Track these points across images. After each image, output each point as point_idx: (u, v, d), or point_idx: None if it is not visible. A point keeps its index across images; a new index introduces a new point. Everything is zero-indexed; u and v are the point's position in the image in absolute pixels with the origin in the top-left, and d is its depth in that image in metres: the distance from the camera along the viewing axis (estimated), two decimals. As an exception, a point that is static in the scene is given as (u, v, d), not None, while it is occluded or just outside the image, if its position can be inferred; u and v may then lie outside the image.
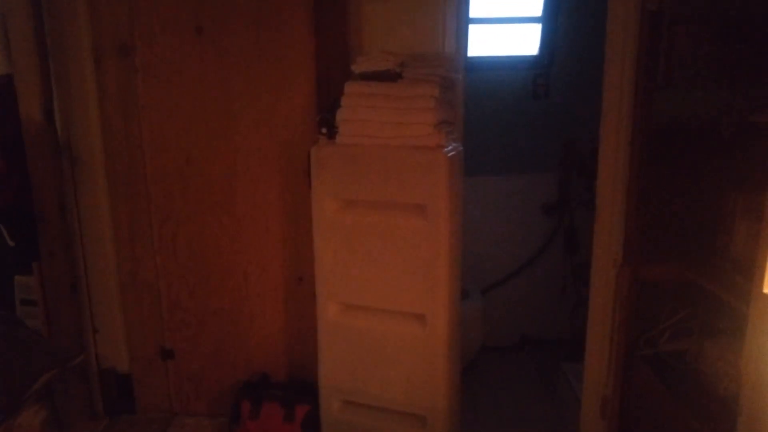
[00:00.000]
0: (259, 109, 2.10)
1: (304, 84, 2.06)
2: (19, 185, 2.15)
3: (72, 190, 2.24)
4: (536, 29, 2.93)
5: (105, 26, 2.08)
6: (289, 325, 2.28)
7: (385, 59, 1.89)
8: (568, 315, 2.98)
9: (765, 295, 1.15)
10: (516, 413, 2.52)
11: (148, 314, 2.33)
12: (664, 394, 1.59)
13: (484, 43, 2.96)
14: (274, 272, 2.23)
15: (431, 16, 2.02)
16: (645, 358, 1.69)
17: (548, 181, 3.02)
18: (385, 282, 1.93)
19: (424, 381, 1.95)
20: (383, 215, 1.90)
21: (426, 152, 1.81)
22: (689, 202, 1.65)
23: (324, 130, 1.95)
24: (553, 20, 2.88)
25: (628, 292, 1.66)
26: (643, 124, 1.56)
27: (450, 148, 1.86)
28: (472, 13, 2.91)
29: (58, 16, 2.09)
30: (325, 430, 2.09)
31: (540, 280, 3.06)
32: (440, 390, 1.95)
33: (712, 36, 1.54)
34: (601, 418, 1.96)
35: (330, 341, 2.05)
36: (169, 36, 2.07)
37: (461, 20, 2.04)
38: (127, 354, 2.39)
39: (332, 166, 1.91)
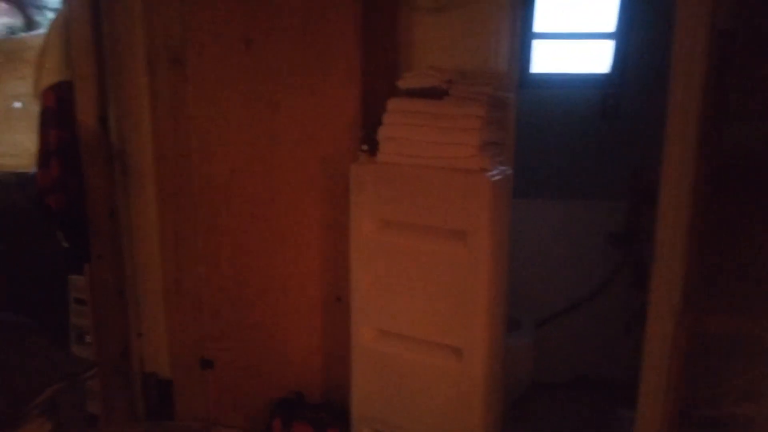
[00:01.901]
0: (303, 123, 2.05)
1: (350, 99, 1.99)
2: (73, 189, 2.21)
3: (123, 196, 2.28)
4: (608, 46, 2.74)
5: (158, 36, 2.11)
6: (326, 345, 2.21)
7: (432, 76, 1.80)
8: (631, 357, 2.74)
9: None
10: (564, 458, 2.33)
11: (190, 322, 2.34)
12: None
13: (550, 59, 2.80)
14: (312, 290, 2.18)
15: (485, 31, 1.91)
16: (705, 421, 1.49)
17: (616, 210, 2.80)
18: (421, 310, 1.83)
19: (460, 418, 1.83)
20: (422, 239, 1.80)
21: (468, 175, 1.70)
22: (762, 246, 1.44)
23: (365, 147, 1.88)
24: (626, 36, 2.69)
25: (688, 345, 1.48)
26: (711, 157, 1.38)
27: (496, 171, 1.74)
28: (539, 27, 2.77)
29: (116, 24, 2.14)
30: (354, 458, 2.01)
31: (602, 316, 2.84)
32: (476, 429, 1.82)
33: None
34: (653, 478, 1.77)
35: (363, 367, 1.96)
36: (219, 47, 2.07)
37: (516, 36, 1.92)
38: (169, 360, 2.41)
39: (371, 184, 1.84)
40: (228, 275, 2.25)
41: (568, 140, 2.81)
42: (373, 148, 1.85)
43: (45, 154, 2.18)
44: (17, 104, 2.83)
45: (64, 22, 2.13)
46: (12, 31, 2.91)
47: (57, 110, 2.15)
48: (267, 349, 2.28)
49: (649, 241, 2.71)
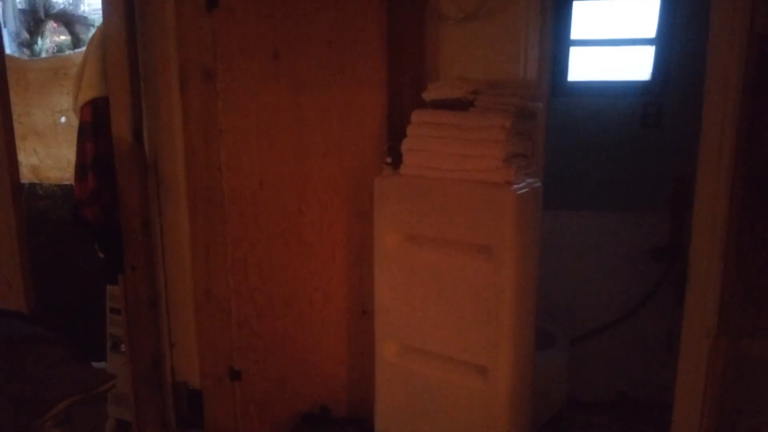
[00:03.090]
0: (329, 135, 2.05)
1: (375, 111, 1.98)
2: (108, 202, 2.26)
3: (156, 208, 2.33)
4: (649, 52, 2.64)
5: (190, 52, 2.15)
6: (352, 358, 2.19)
7: (457, 87, 1.76)
8: (673, 377, 2.61)
9: None
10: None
11: (220, 333, 2.36)
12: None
13: (588, 66, 2.72)
14: (338, 302, 2.16)
15: (513, 41, 1.86)
16: (744, 450, 1.39)
17: (658, 222, 2.68)
18: (444, 326, 1.79)
19: (485, 439, 1.77)
20: (446, 253, 1.76)
21: (493, 189, 1.65)
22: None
23: (389, 160, 1.85)
24: (668, 42, 2.58)
25: (724, 369, 1.38)
26: (749, 169, 1.29)
27: (522, 184, 1.69)
28: (576, 34, 2.70)
29: (150, 41, 2.19)
30: (378, 476, 1.97)
31: (642, 333, 2.71)
32: (502, 450, 1.75)
33: None
34: None
35: (387, 383, 1.93)
36: (247, 61, 2.09)
37: (546, 45, 1.86)
38: (199, 370, 2.43)
39: (395, 197, 1.81)
40: (256, 287, 2.26)
41: (608, 150, 2.71)
42: (397, 161, 1.82)
43: (82, 168, 2.24)
44: (63, 119, 2.93)
45: (101, 39, 2.19)
46: (60, 48, 3.03)
47: (93, 125, 2.22)
48: (293, 361, 2.27)
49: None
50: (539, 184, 1.80)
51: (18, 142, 3.01)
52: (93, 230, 2.29)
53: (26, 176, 3.03)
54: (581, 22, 2.71)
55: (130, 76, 2.17)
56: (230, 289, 2.30)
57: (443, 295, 1.77)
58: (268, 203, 2.18)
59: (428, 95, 1.81)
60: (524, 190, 1.67)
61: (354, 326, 2.15)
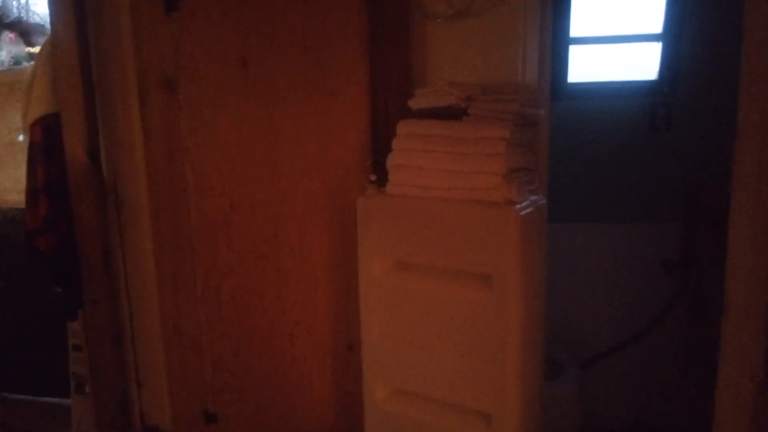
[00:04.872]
0: (306, 150, 1.83)
1: (358, 122, 1.76)
2: (63, 230, 2.03)
3: (117, 235, 2.10)
4: (656, 49, 2.43)
5: (149, 60, 1.92)
6: (338, 398, 1.96)
7: (448, 93, 1.55)
8: (692, 403, 2.39)
9: None
10: None
11: (192, 372, 2.12)
12: None
13: (590, 66, 2.51)
14: (321, 336, 1.94)
15: (509, 40, 1.64)
16: None
17: (669, 233, 2.47)
18: (441, 367, 1.56)
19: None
20: (440, 283, 1.54)
21: (492, 209, 1.43)
22: None
23: (373, 178, 1.63)
24: (676, 37, 2.37)
25: (775, 421, 1.16)
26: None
27: (526, 203, 1.47)
28: (576, 31, 2.49)
29: (104, 49, 1.97)
30: None
31: (656, 354, 2.50)
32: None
33: None
34: None
35: (377, 430, 1.70)
36: (213, 69, 1.87)
37: (546, 43, 1.65)
38: (171, 413, 2.20)
39: (381, 220, 1.59)
40: (230, 320, 2.03)
41: (613, 156, 2.50)
42: (383, 178, 1.60)
43: (33, 192, 2.01)
44: (21, 137, 2.70)
45: (51, 48, 1.97)
46: (17, 60, 2.79)
47: (44, 144, 1.99)
48: (274, 402, 2.04)
49: (711, 267, 2.39)
50: (544, 201, 1.58)
51: (-27, 163, 2.79)
52: (47, 262, 2.05)
53: (-23, 200, 2.79)
54: (581, 18, 2.50)
55: (84, 89, 1.95)
56: (202, 324, 2.07)
57: (438, 331, 1.55)
58: (241, 227, 1.96)
59: (415, 103, 1.59)
60: (528, 210, 1.45)
61: (340, 363, 1.92)
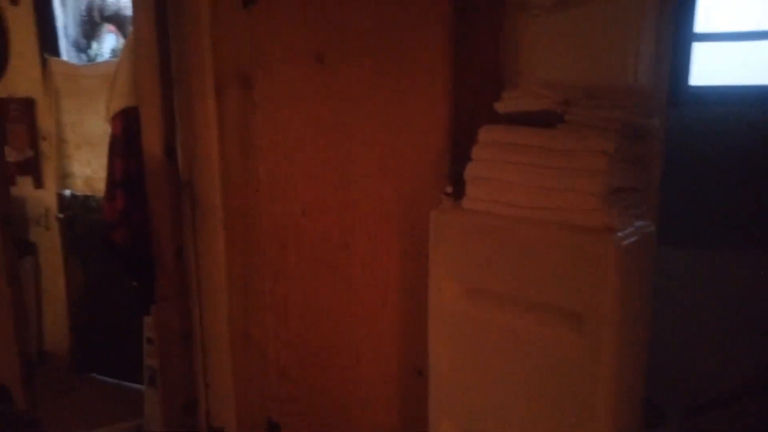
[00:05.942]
0: (380, 154, 1.68)
1: (436, 125, 1.58)
2: (139, 224, 2.02)
3: (191, 232, 2.06)
4: (804, 46, 2.05)
5: (227, 56, 1.85)
6: (404, 427, 1.80)
7: (541, 96, 1.33)
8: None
9: None
10: None
11: (256, 380, 2.05)
12: None
13: (717, 67, 2.17)
14: (388, 357, 1.78)
15: (619, 35, 1.40)
16: None
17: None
18: (517, 410, 1.36)
19: None
20: (519, 316, 1.34)
21: (587, 236, 1.21)
22: None
23: (449, 190, 1.45)
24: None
25: None
26: None
27: (629, 230, 1.23)
28: (701, 26, 2.15)
29: (184, 45, 1.91)
30: None
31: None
32: None
33: None
34: None
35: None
36: (288, 65, 1.76)
37: (665, 40, 1.38)
38: (236, 417, 2.14)
39: (455, 238, 1.41)
40: (295, 330, 1.93)
41: (743, 172, 2.15)
42: (460, 190, 1.42)
43: (111, 186, 2.01)
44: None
45: (133, 43, 1.95)
46: (116, 53, 2.86)
47: (123, 137, 1.98)
48: (337, 420, 1.92)
49: None
50: (652, 227, 1.33)
51: (72, 152, 2.91)
52: (122, 256, 2.05)
53: (80, 188, 2.90)
54: (708, 11, 2.16)
55: (162, 84, 1.91)
56: (268, 331, 1.98)
57: (514, 370, 1.35)
58: (311, 235, 1.84)
59: (503, 107, 1.38)
60: (632, 239, 1.21)
61: (407, 389, 1.76)
